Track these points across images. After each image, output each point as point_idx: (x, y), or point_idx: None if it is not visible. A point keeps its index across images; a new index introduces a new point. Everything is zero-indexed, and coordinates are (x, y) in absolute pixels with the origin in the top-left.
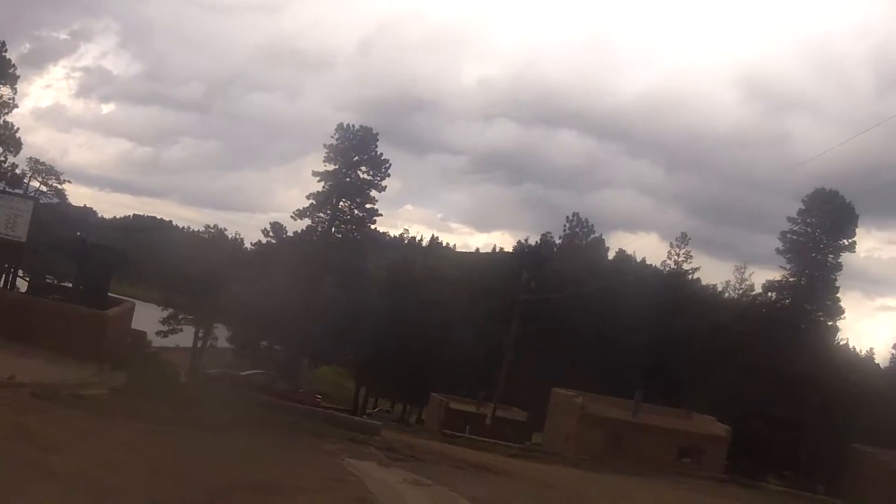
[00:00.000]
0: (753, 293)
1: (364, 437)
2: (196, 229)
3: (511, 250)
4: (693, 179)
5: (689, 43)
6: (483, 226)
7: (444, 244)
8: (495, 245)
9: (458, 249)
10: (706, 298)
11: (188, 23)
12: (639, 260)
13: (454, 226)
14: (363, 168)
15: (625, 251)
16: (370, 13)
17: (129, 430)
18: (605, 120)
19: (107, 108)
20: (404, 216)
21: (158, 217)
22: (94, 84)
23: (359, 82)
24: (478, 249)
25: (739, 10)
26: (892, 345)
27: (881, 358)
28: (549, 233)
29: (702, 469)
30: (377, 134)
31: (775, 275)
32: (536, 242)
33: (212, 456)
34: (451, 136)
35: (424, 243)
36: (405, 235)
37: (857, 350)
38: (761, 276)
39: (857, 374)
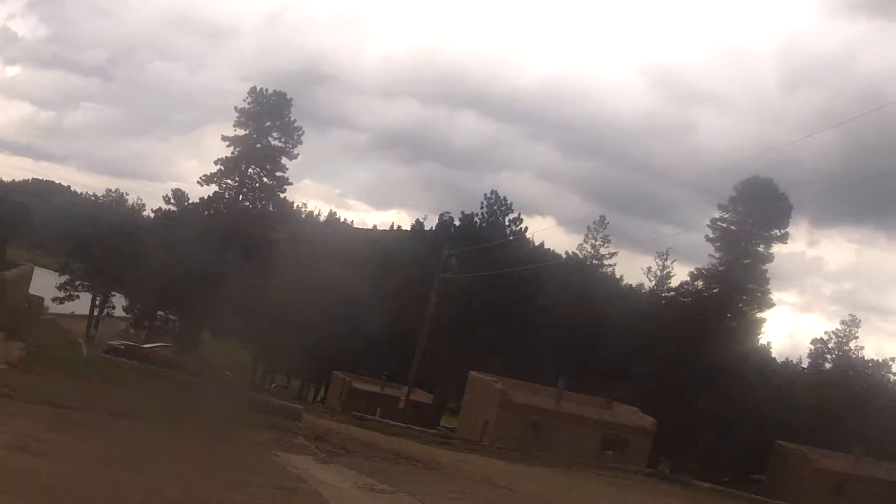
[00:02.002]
0: (669, 283)
1: (287, 422)
2: (97, 195)
3: (409, 229)
4: (593, 166)
5: (593, 31)
6: (380, 203)
7: (342, 220)
8: (393, 223)
9: (355, 226)
10: (622, 285)
11: None
12: (537, 244)
13: (352, 202)
14: (275, 134)
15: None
16: None
17: (32, 420)
18: (507, 103)
19: (11, 71)
20: (303, 190)
21: (58, 182)
22: None
23: (262, 54)
24: (375, 227)
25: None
26: (809, 340)
27: (777, 353)
28: (445, 212)
29: (624, 462)
30: (291, 99)
31: (690, 267)
32: (458, 217)
33: (137, 459)
34: (352, 112)
35: (322, 218)
36: (303, 209)
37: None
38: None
39: (771, 368)
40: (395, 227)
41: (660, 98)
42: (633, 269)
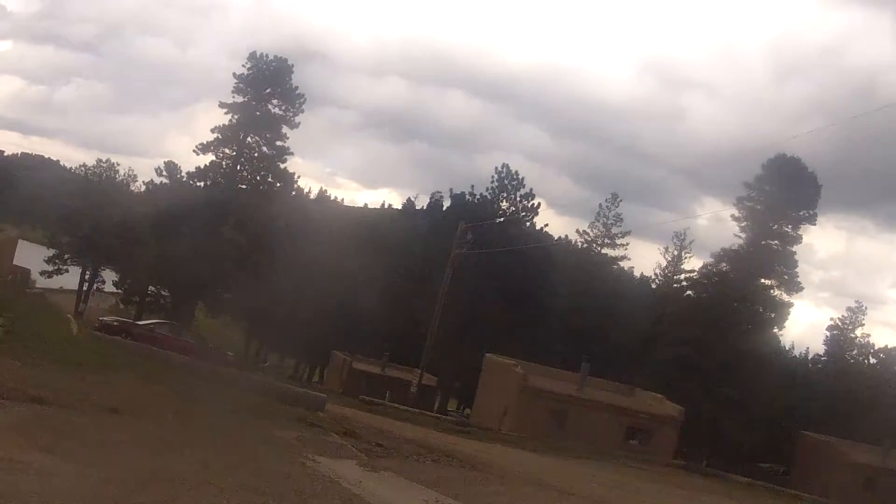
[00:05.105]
0: (682, 266)
1: (309, 413)
2: (87, 165)
3: (400, 208)
4: (582, 149)
5: (584, 14)
6: (370, 182)
7: (333, 198)
8: (384, 202)
9: (345, 204)
10: (628, 269)
11: None
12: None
13: (341, 181)
14: (275, 101)
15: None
16: None
17: (7, 427)
18: (497, 83)
19: (2, 45)
20: (293, 168)
21: (47, 157)
22: None
23: (250, 30)
24: (366, 205)
25: None
26: (799, 328)
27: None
28: (436, 191)
29: (651, 452)
30: (292, 65)
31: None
32: (473, 195)
33: (139, 473)
34: (341, 90)
35: (312, 196)
36: (294, 186)
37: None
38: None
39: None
40: (385, 206)
41: (650, 83)
42: (630, 253)
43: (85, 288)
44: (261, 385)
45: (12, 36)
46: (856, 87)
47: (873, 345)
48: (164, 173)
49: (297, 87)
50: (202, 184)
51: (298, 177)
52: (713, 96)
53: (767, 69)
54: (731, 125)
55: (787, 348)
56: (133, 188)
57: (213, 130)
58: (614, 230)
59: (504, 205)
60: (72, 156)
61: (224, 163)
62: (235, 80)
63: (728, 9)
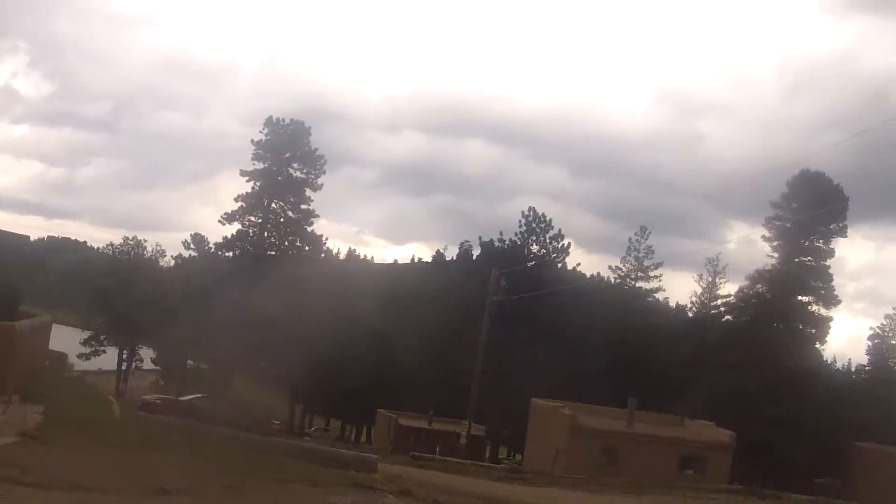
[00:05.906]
0: (718, 291)
1: (362, 475)
2: (113, 244)
3: (430, 260)
4: (603, 184)
5: (593, 51)
6: (398, 238)
7: (363, 256)
8: (413, 255)
9: (375, 262)
10: (662, 299)
11: (97, 39)
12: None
13: (369, 239)
14: (296, 165)
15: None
16: (274, 25)
17: None
18: (513, 127)
19: (19, 130)
20: (319, 230)
21: (73, 238)
22: (4, 105)
23: (264, 96)
24: (396, 261)
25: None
26: (838, 340)
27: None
28: (464, 241)
29: (706, 480)
30: (310, 128)
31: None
32: (502, 241)
33: None
34: (359, 149)
35: (342, 257)
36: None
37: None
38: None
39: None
40: (416, 260)
41: (666, 112)
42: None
43: (124, 367)
44: (309, 451)
45: (27, 120)
46: (868, 96)
47: None
48: (192, 246)
49: (316, 149)
50: (231, 253)
51: (326, 238)
52: (729, 119)
53: (779, 86)
54: (749, 146)
55: (829, 362)
56: (162, 263)
57: (236, 199)
58: (646, 263)
59: (534, 248)
60: (96, 235)
61: (251, 231)
62: (254, 147)
63: (735, 31)
